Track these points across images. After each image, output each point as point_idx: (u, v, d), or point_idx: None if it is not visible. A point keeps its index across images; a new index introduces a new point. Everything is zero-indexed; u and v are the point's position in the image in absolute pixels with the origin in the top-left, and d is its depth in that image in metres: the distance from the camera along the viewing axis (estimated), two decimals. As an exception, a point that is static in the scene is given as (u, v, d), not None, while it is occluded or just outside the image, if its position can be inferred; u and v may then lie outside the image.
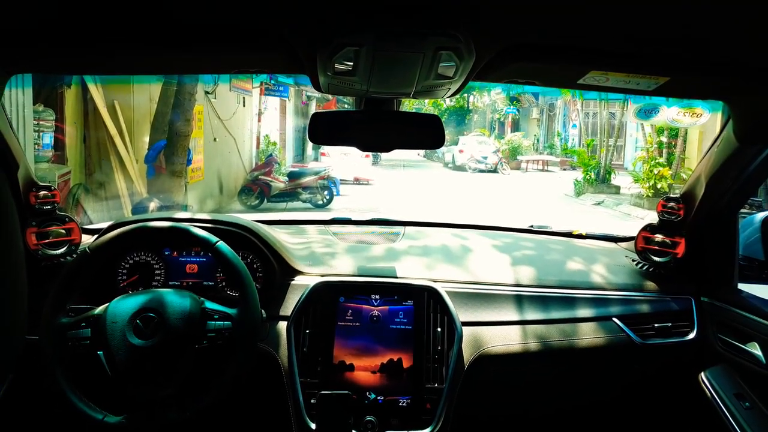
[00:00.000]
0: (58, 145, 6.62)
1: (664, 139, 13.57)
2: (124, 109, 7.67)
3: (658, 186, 12.87)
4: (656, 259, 1.99)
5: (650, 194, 12.94)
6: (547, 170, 23.49)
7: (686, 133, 13.26)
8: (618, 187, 15.71)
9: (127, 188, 7.58)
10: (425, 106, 25.41)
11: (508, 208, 12.83)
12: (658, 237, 1.99)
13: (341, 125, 1.62)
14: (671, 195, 1.98)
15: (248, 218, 2.48)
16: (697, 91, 1.51)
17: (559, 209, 13.48)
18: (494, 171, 21.80)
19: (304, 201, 11.69)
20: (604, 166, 16.10)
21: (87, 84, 7.01)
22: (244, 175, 12.96)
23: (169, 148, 7.71)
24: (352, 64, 1.19)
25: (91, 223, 6.66)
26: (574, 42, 1.20)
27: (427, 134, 1.59)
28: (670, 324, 1.91)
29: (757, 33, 1.08)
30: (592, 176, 15.94)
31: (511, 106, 29.69)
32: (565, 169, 22.06)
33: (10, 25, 1.15)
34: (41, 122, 6.14)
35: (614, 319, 1.89)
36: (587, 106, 21.33)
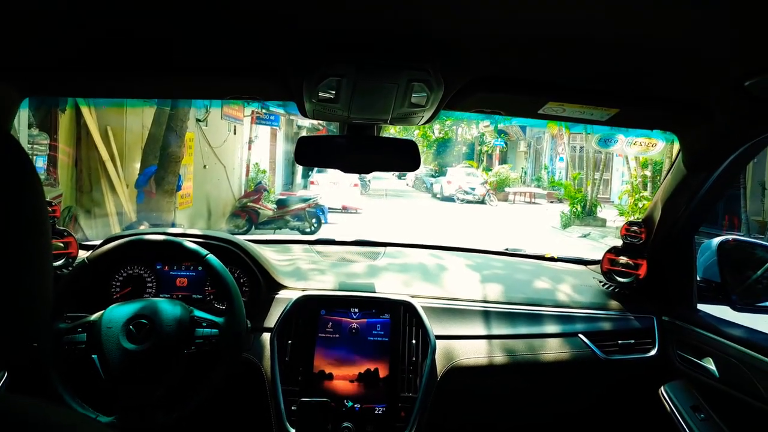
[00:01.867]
0: (51, 168, 6.73)
1: (648, 173, 13.87)
2: (117, 133, 7.80)
3: (642, 219, 13.08)
4: (620, 279, 2.11)
5: (635, 227, 13.13)
6: (534, 202, 23.76)
7: (670, 168, 13.54)
8: (604, 220, 15.95)
9: (116, 212, 7.67)
10: (414, 137, 25.71)
11: (495, 238, 12.96)
12: (623, 259, 2.12)
13: (325, 148, 1.75)
14: (633, 220, 2.11)
15: (238, 237, 2.60)
16: (645, 122, 1.66)
17: (546, 241, 13.65)
18: (482, 202, 22.03)
19: (292, 228, 11.78)
20: (591, 199, 16.35)
21: (81, 108, 7.16)
22: (233, 202, 13.07)
23: (159, 173, 7.82)
24: (334, 92, 1.33)
25: (85, 241, 6.75)
26: (532, 76, 1.35)
27: (404, 158, 1.71)
28: (633, 341, 2.02)
29: (693, 70, 1.23)
30: (579, 209, 16.18)
31: (499, 139, 30.13)
32: (552, 202, 22.32)
33: (28, 51, 1.27)
34: (35, 145, 6.26)
35: (580, 335, 2.00)
36: (574, 139, 21.70)
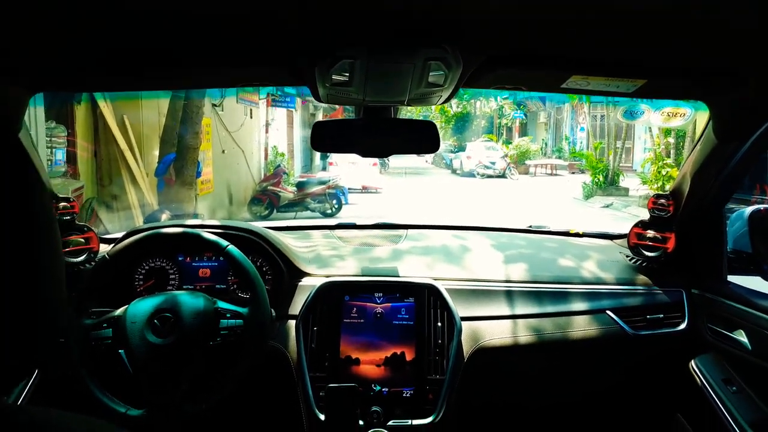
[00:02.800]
0: (71, 160, 6.78)
1: (671, 140, 13.60)
2: (134, 124, 7.83)
3: (667, 187, 12.80)
4: (648, 254, 2.07)
5: (658, 195, 12.93)
6: (555, 174, 23.47)
7: (693, 134, 13.30)
8: (627, 189, 15.71)
9: (138, 201, 7.73)
10: (432, 112, 25.45)
11: (517, 213, 12.87)
12: (650, 233, 2.07)
13: (341, 133, 1.72)
14: (660, 193, 2.06)
15: (256, 224, 2.60)
16: (674, 93, 1.60)
17: (568, 212, 13.52)
18: (503, 176, 21.81)
19: (313, 210, 11.79)
20: (613, 168, 16.11)
21: (97, 100, 7.18)
22: (253, 186, 13.10)
23: (178, 161, 7.85)
24: (348, 75, 1.29)
25: (106, 234, 6.84)
26: (554, 50, 1.29)
27: (422, 139, 1.68)
28: (661, 315, 1.98)
29: (727, 37, 1.17)
30: (601, 179, 15.95)
31: (519, 111, 29.74)
32: (573, 173, 22.03)
33: (35, 49, 1.26)
34: (54, 138, 6.30)
35: (607, 312, 1.97)
36: (595, 109, 21.34)
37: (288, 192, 11.98)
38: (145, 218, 7.30)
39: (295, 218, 11.62)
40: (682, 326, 1.98)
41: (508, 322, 1.93)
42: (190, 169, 7.90)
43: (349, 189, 12.88)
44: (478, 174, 22.12)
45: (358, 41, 1.15)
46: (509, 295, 1.99)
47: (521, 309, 1.96)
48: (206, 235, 1.76)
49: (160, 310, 1.63)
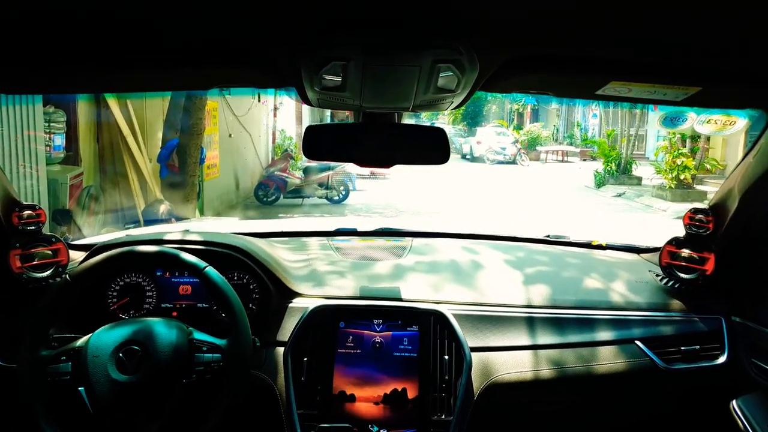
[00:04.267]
0: (71, 146, 6.59)
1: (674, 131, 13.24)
2: (137, 108, 7.63)
3: (681, 177, 12.58)
4: (683, 275, 1.84)
5: (673, 185, 12.66)
6: (566, 161, 23.13)
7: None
8: (639, 178, 15.41)
9: (140, 188, 7.54)
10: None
11: (527, 203, 12.64)
12: (685, 252, 1.84)
13: (338, 139, 1.51)
14: (699, 207, 1.82)
15: (249, 227, 2.38)
16: (732, 101, 1.36)
17: (579, 202, 13.27)
18: (513, 162, 21.51)
19: (320, 197, 11.62)
20: (625, 156, 15.78)
21: (98, 84, 6.97)
22: (260, 171, 12.92)
23: (181, 147, 7.65)
24: (341, 78, 1.07)
25: (105, 224, 6.68)
26: (591, 52, 1.06)
27: (430, 149, 1.48)
28: (698, 347, 1.76)
29: None
30: (613, 167, 15.64)
31: (530, 96, 29.26)
32: (585, 160, 21.71)
33: None
34: (52, 124, 6.11)
35: (636, 342, 1.75)
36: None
37: (295, 178, 11.80)
38: (144, 211, 7.10)
39: (302, 205, 11.47)
40: (721, 360, 1.75)
41: (525, 353, 1.71)
42: (193, 155, 7.67)
43: (357, 175, 12.67)
44: (488, 160, 21.80)
45: (351, 38, 0.93)
46: (526, 322, 1.77)
47: (540, 338, 1.74)
48: (184, 255, 1.55)
49: (128, 342, 1.42)
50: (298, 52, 0.99)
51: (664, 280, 1.91)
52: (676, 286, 1.87)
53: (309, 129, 1.49)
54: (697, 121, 1.60)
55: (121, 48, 1.08)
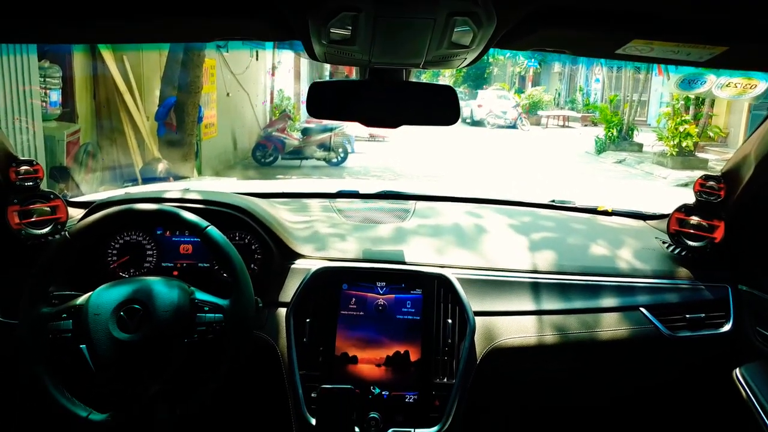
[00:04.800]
0: (67, 102, 6.48)
1: (691, 95, 13.10)
2: (134, 64, 7.49)
3: (683, 144, 12.50)
4: (691, 243, 1.81)
5: (674, 153, 12.59)
6: (567, 126, 22.96)
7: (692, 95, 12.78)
8: (641, 145, 15.33)
9: (138, 146, 7.46)
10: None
11: (528, 168, 12.57)
12: (694, 219, 1.81)
13: (343, 97, 1.47)
14: (710, 173, 1.79)
15: (250, 187, 2.34)
16: (758, 62, 1.30)
17: (580, 167, 13.21)
18: (513, 127, 21.35)
19: (318, 158, 11.55)
20: (627, 122, 15.66)
21: (94, 38, 6.82)
22: (258, 131, 12.78)
23: (179, 105, 7.54)
24: (350, 31, 1.02)
25: (103, 182, 6.63)
26: (614, 6, 1.01)
27: (440, 108, 1.44)
28: (703, 315, 1.75)
29: None
30: (615, 133, 15.54)
31: (533, 59, 28.89)
32: (586, 125, 21.56)
33: None
34: (48, 79, 5.99)
35: (641, 309, 1.73)
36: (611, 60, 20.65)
37: (293, 139, 11.70)
38: (142, 169, 7.03)
39: (300, 166, 11.40)
40: (726, 328, 1.74)
41: (529, 318, 1.70)
42: (191, 114, 7.57)
43: (355, 137, 12.56)
44: (488, 123, 21.64)
45: None
46: (530, 288, 1.75)
47: (544, 304, 1.72)
48: (185, 214, 1.51)
49: (129, 300, 1.40)
50: (306, 1, 0.94)
51: (671, 248, 1.88)
52: (683, 253, 1.85)
53: (313, 86, 1.45)
54: (716, 84, 1.55)
55: None
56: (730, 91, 1.52)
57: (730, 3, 0.96)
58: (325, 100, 1.46)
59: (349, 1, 0.91)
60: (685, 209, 1.84)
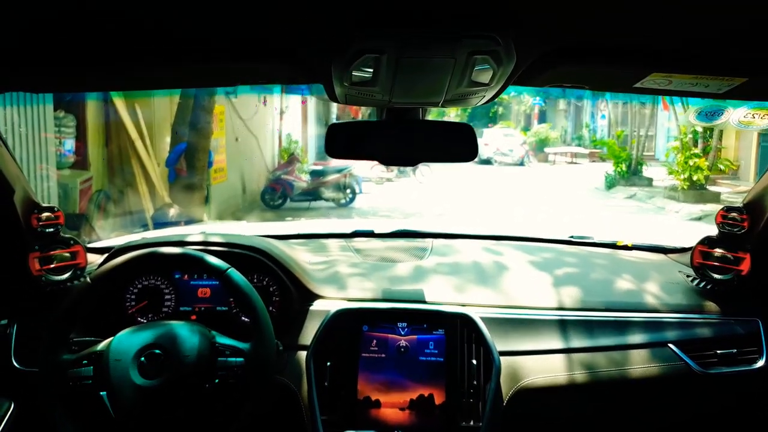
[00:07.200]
0: (80, 151, 6.58)
1: (699, 128, 13.13)
2: (145, 112, 7.62)
3: (694, 178, 12.46)
4: (716, 276, 1.78)
5: (685, 186, 12.54)
6: (575, 162, 23.01)
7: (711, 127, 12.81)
8: (650, 179, 15.32)
9: (149, 192, 7.53)
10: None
11: (538, 205, 12.55)
12: (718, 251, 1.78)
13: (361, 137, 1.48)
14: (732, 205, 1.76)
15: (267, 229, 2.34)
16: None
17: (590, 204, 13.17)
18: (521, 164, 21.43)
19: (326, 200, 11.59)
20: (636, 157, 15.67)
21: (107, 88, 6.95)
22: (267, 174, 12.89)
23: (189, 151, 7.63)
24: (371, 72, 1.03)
25: (114, 228, 6.66)
26: (634, 42, 1.01)
27: (457, 146, 1.43)
28: (734, 350, 1.70)
29: None
30: (624, 168, 15.52)
31: (538, 98, 29.18)
32: (594, 161, 21.60)
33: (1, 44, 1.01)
34: (62, 128, 6.11)
35: (670, 345, 1.69)
36: (616, 95, 20.84)
37: (302, 181, 11.79)
38: (155, 211, 7.08)
39: (308, 208, 11.44)
40: (760, 363, 1.69)
41: (555, 357, 1.66)
42: (201, 159, 7.66)
43: (363, 178, 12.64)
44: (495, 161, 21.72)
45: (386, 30, 0.88)
46: (555, 325, 1.71)
47: (570, 342, 1.68)
48: (209, 258, 1.50)
49: (150, 346, 1.38)
50: (332, 44, 0.94)
51: (696, 281, 1.85)
52: (709, 287, 1.81)
53: (332, 127, 1.45)
54: (733, 115, 1.54)
55: (148, 44, 1.04)
56: (748, 121, 1.52)
57: (752, 37, 0.96)
58: (343, 141, 1.46)
59: (372, 44, 0.91)
60: (708, 242, 1.81)
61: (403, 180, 15.87)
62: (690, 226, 10.05)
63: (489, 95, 1.21)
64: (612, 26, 0.94)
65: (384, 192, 14.07)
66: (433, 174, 15.53)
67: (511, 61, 0.98)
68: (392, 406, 1.57)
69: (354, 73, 1.03)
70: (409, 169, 15.43)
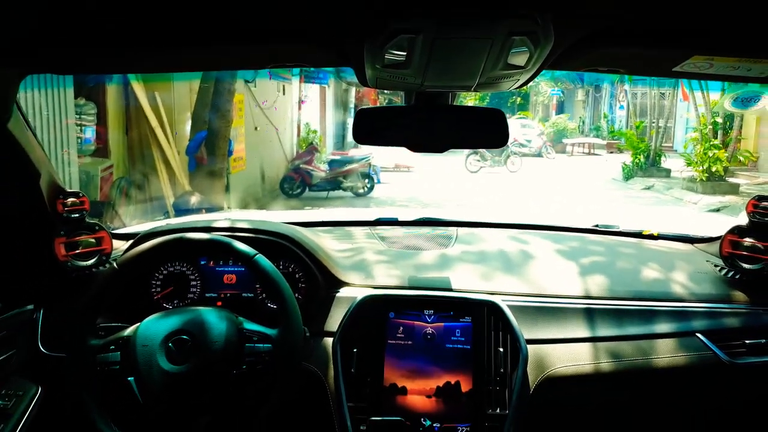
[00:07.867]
0: (101, 138, 6.63)
1: (719, 119, 12.94)
2: (165, 100, 7.64)
3: (713, 169, 12.29)
4: (746, 266, 1.75)
5: (704, 178, 12.38)
6: (593, 153, 22.78)
7: (743, 113, 12.60)
8: (668, 171, 15.14)
9: (169, 180, 7.57)
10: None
11: (556, 195, 12.47)
12: (748, 241, 1.75)
13: (390, 123, 1.46)
14: (763, 194, 1.73)
15: (291, 216, 2.34)
16: None
17: (608, 194, 13.06)
18: (539, 155, 21.24)
19: (345, 189, 11.62)
20: (654, 148, 15.49)
21: (128, 75, 6.99)
22: (286, 163, 12.94)
23: (209, 139, 7.66)
24: (405, 54, 1.01)
25: (135, 216, 6.72)
26: (676, 23, 0.99)
27: (488, 131, 1.42)
28: (763, 340, 1.67)
29: None
30: (642, 159, 15.35)
31: (556, 88, 28.88)
32: (612, 152, 21.35)
33: (27, 25, 1.01)
34: (83, 116, 6.15)
35: (698, 335, 1.67)
36: (635, 87, 20.58)
37: (320, 170, 11.81)
38: (176, 199, 7.12)
39: (327, 197, 11.47)
40: None
41: (582, 345, 1.65)
42: (221, 147, 7.68)
43: (381, 167, 12.63)
44: (513, 152, 21.56)
45: (423, 10, 0.87)
46: (582, 314, 1.70)
47: (597, 330, 1.67)
48: (237, 244, 1.50)
49: (177, 331, 1.39)
50: (367, 24, 0.93)
51: (725, 271, 1.82)
52: (738, 276, 1.79)
53: (360, 112, 1.44)
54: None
55: (184, 25, 1.04)
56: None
57: None
58: (372, 126, 1.45)
59: (409, 24, 0.90)
60: (738, 231, 1.78)
61: (421, 168, 15.81)
62: (708, 217, 9.94)
63: (523, 79, 1.20)
64: (655, 6, 0.92)
65: (402, 181, 14.02)
66: (451, 164, 15.45)
67: (548, 42, 0.96)
68: (419, 393, 1.57)
69: (387, 56, 1.02)
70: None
